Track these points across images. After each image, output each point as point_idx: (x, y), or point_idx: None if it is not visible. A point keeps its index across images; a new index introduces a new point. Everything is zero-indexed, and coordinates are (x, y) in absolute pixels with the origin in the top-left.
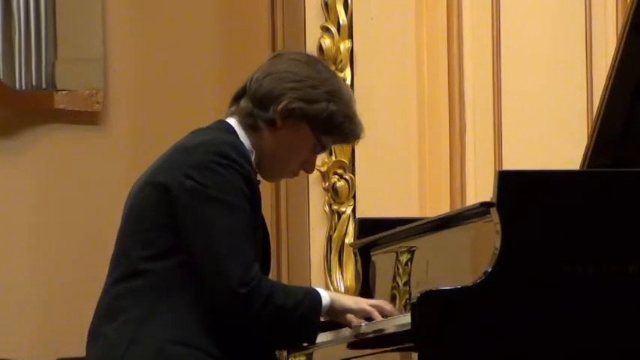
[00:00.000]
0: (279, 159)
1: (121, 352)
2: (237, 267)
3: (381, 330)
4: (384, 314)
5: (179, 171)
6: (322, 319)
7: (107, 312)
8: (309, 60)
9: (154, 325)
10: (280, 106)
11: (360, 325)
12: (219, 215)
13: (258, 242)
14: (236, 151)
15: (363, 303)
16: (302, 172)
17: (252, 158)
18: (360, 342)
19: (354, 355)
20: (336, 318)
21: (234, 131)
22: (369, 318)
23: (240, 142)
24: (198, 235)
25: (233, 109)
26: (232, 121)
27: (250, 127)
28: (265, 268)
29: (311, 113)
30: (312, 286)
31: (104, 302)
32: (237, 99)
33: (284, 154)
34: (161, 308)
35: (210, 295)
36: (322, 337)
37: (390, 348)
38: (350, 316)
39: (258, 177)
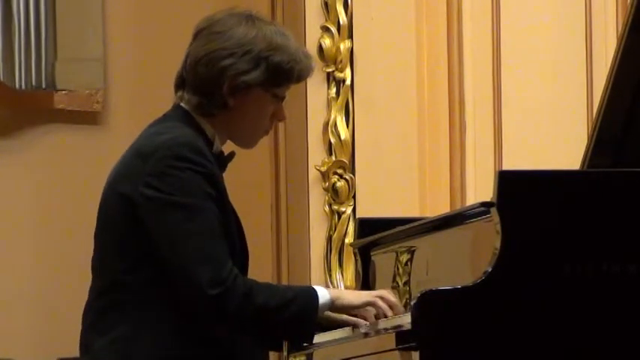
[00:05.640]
0: (247, 128)
1: None
2: (205, 270)
3: (380, 330)
4: (389, 303)
5: (138, 180)
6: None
7: (95, 325)
8: (232, 23)
9: (142, 341)
10: (224, 88)
11: (361, 326)
12: (183, 220)
13: (233, 236)
14: (193, 151)
15: (365, 296)
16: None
17: (218, 142)
18: (360, 342)
19: (354, 355)
20: (339, 318)
21: (193, 119)
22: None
23: (198, 135)
24: (164, 243)
25: (180, 94)
26: (189, 109)
27: (206, 115)
28: (244, 260)
29: (256, 79)
30: (312, 285)
31: (90, 315)
32: (180, 85)
33: (249, 123)
34: (147, 323)
35: (185, 300)
36: (322, 337)
37: (390, 348)
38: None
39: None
